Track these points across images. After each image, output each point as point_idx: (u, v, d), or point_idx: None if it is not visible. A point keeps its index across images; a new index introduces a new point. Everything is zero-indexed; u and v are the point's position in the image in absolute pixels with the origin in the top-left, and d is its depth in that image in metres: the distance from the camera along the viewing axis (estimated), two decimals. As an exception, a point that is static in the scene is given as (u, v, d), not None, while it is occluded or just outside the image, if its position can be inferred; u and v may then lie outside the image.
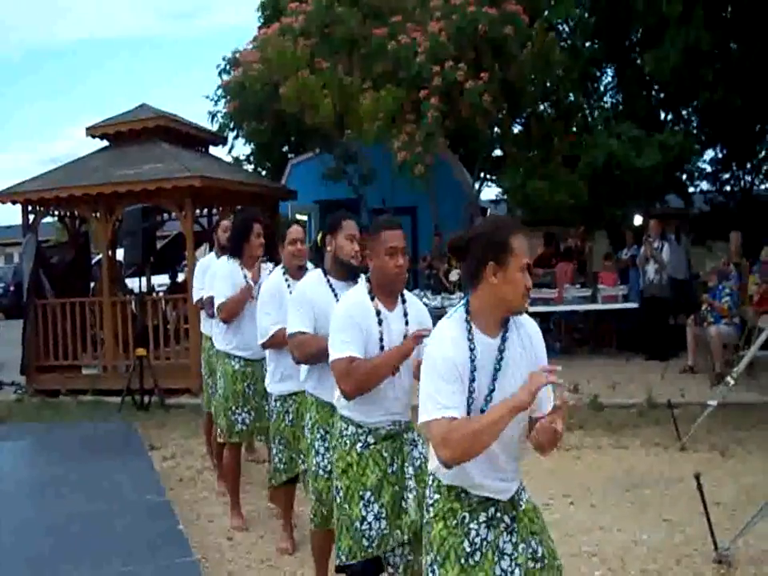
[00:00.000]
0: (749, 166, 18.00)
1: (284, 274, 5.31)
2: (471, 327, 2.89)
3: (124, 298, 12.84)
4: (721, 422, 8.41)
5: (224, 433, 6.18)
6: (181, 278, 15.32)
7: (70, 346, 12.53)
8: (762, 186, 18.89)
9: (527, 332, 3.02)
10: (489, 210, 19.92)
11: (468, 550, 2.87)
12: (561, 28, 16.37)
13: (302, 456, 5.07)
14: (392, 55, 12.81)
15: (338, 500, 3.87)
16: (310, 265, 5.40)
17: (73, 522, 6.08)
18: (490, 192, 30.75)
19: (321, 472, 4.41)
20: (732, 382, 7.72)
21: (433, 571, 2.92)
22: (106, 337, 12.42)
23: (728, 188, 18.62)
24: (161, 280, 16.22)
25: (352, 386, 3.72)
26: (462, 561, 2.87)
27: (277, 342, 5.09)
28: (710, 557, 5.15)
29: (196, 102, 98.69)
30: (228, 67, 16.38)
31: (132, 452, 8.24)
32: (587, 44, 15.89)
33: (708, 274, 12.23)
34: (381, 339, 3.78)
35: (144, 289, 12.24)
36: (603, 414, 9.28)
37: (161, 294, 14.48)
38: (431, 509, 2.98)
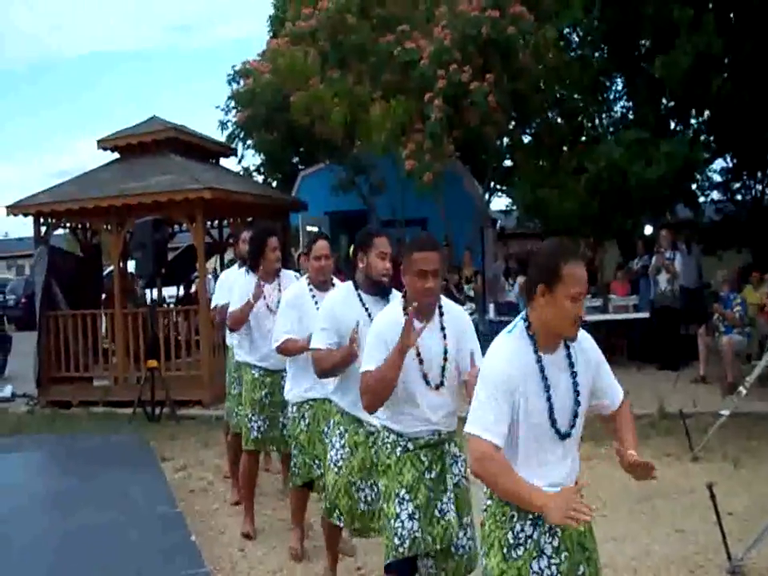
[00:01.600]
0: (760, 175, 17.91)
1: (309, 285, 5.37)
2: (535, 341, 2.98)
3: (136, 310, 12.86)
4: (733, 431, 8.38)
5: (242, 439, 6.25)
6: (192, 289, 15.37)
7: (82, 358, 12.57)
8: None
9: (580, 344, 3.09)
10: (498, 222, 19.91)
11: (511, 541, 2.98)
12: (571, 38, 16.36)
13: (317, 461, 5.16)
14: (398, 61, 12.81)
15: (381, 502, 3.97)
16: (336, 280, 5.47)
17: (84, 534, 6.07)
18: (500, 202, 30.73)
19: (332, 466, 4.56)
20: (744, 391, 7.69)
21: (482, 563, 3.10)
22: (118, 348, 12.46)
23: (739, 197, 18.53)
24: (171, 291, 16.28)
25: (367, 400, 3.79)
26: (504, 551, 2.98)
27: (287, 350, 5.25)
28: (723, 567, 5.13)
29: (206, 113, 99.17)
30: (238, 77, 16.45)
31: (143, 463, 8.22)
32: (596, 54, 15.86)
33: (719, 284, 12.18)
34: (418, 354, 3.79)
35: (155, 300, 12.27)
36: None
37: (171, 305, 14.51)
38: (485, 512, 3.10)
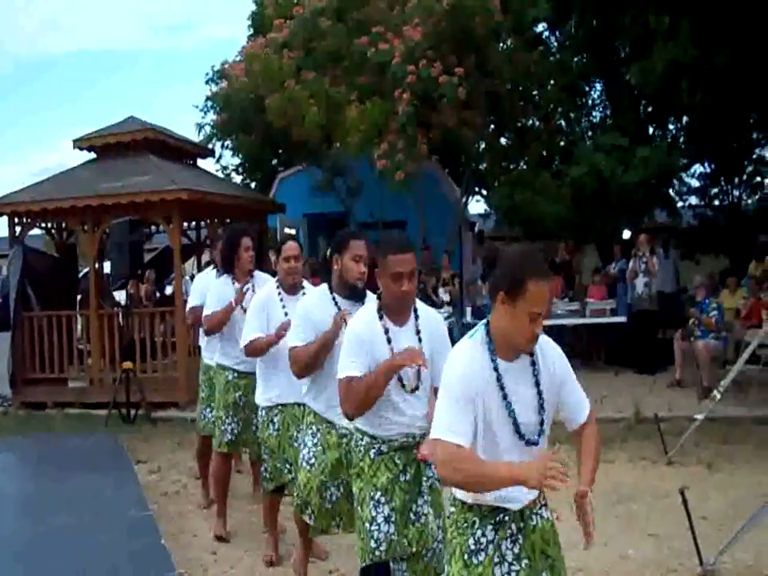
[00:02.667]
0: (737, 180, 18.04)
1: (278, 287, 5.32)
2: (493, 348, 2.93)
3: (111, 311, 12.77)
4: (708, 435, 8.41)
5: (215, 441, 6.21)
6: (168, 290, 15.28)
7: (57, 359, 12.47)
8: (750, 201, 18.92)
9: (546, 355, 3.05)
10: (477, 224, 19.93)
11: (472, 547, 2.97)
12: (549, 41, 16.43)
13: (287, 465, 5.13)
14: (373, 62, 12.81)
15: (355, 505, 3.91)
16: (306, 283, 5.44)
17: (55, 536, 6.02)
18: (478, 206, 30.72)
19: (304, 464, 4.54)
20: (718, 395, 7.71)
21: (444, 570, 3.09)
22: (93, 350, 12.37)
23: (717, 203, 18.65)
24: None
25: (350, 407, 3.73)
26: (466, 557, 2.96)
27: (254, 349, 5.23)
28: (696, 571, 5.13)
29: (185, 113, 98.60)
30: (216, 78, 16.39)
31: (117, 466, 8.18)
32: (576, 58, 15.92)
33: (695, 288, 12.23)
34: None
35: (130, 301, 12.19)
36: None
37: (147, 306, 14.42)
38: (449, 519, 3.10)
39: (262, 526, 6.22)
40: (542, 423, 2.97)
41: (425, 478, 3.85)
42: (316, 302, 4.48)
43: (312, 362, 4.39)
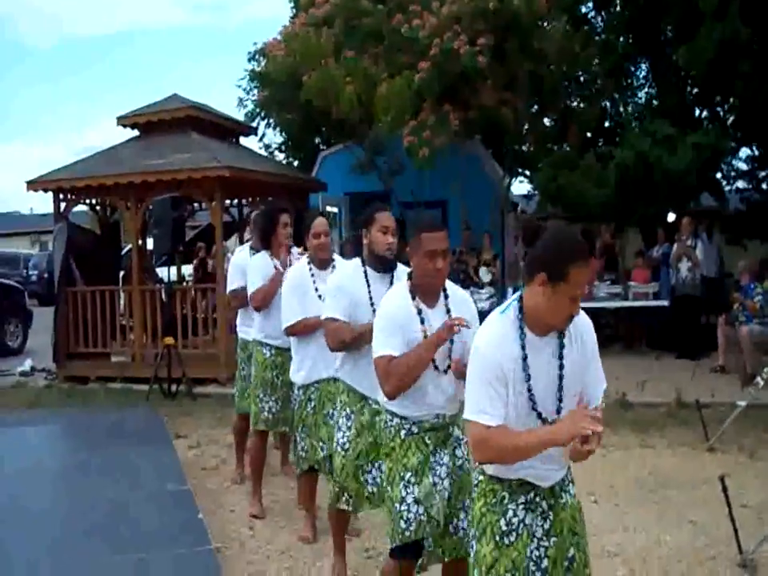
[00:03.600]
0: (785, 164, 17.73)
1: (309, 263, 5.34)
2: (523, 326, 2.90)
3: (153, 287, 12.88)
4: (750, 423, 8.29)
5: (252, 419, 6.24)
6: (210, 267, 15.37)
7: (100, 334, 12.61)
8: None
9: (578, 329, 3.02)
10: (519, 205, 19.79)
11: (504, 528, 2.94)
12: (594, 21, 16.22)
13: (322, 444, 5.14)
14: (408, 42, 12.77)
15: (385, 485, 3.92)
16: (336, 256, 5.43)
17: (94, 508, 6.11)
18: (521, 187, 30.57)
19: (339, 449, 4.54)
20: (762, 382, 7.60)
21: (472, 546, 3.04)
22: (135, 325, 12.50)
23: (764, 186, 18.32)
24: (190, 269, 16.31)
25: (392, 386, 3.71)
26: (497, 538, 2.94)
27: (298, 330, 5.23)
28: (734, 560, 5.06)
29: (227, 92, 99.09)
30: (257, 56, 16.42)
31: (157, 440, 8.25)
32: (621, 39, 15.71)
33: (740, 273, 12.06)
34: (425, 338, 3.74)
35: (174, 278, 12.28)
36: (631, 412, 9.18)
37: (190, 283, 14.54)
38: (476, 489, 3.07)
39: (297, 503, 6.30)
40: (560, 400, 2.94)
41: (454, 459, 3.84)
42: (349, 274, 4.51)
43: (349, 343, 4.40)
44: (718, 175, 16.13)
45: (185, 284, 14.47)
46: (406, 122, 12.77)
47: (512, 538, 2.93)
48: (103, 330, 12.63)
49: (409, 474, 3.76)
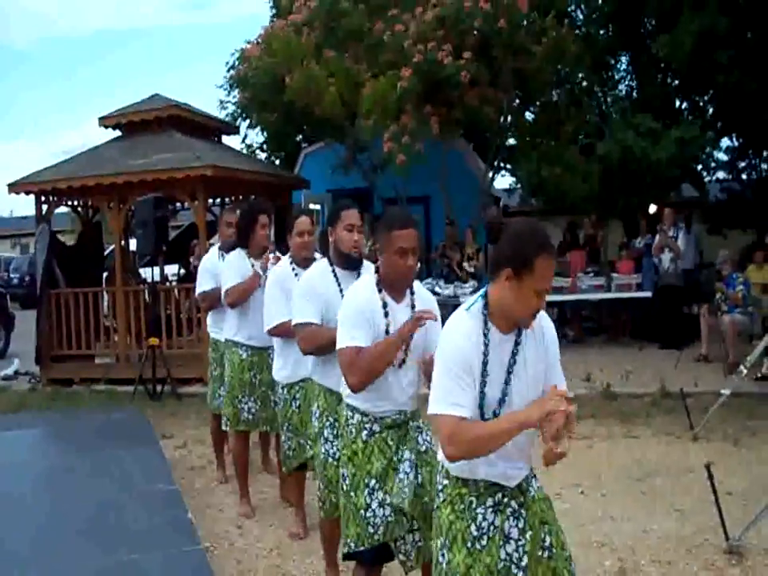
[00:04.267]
0: (765, 154, 17.82)
1: (291, 263, 5.33)
2: (488, 321, 2.90)
3: (137, 288, 12.84)
4: (734, 411, 8.37)
5: (230, 421, 6.21)
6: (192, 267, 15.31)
7: (84, 336, 12.57)
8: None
9: (540, 326, 3.01)
10: (502, 200, 19.84)
11: (475, 534, 2.91)
12: (575, 15, 16.25)
13: (308, 442, 5.12)
14: (391, 46, 12.76)
15: (345, 488, 3.87)
16: (317, 255, 5.37)
17: (82, 510, 6.09)
18: (503, 181, 30.60)
19: (330, 459, 4.43)
20: (745, 371, 7.67)
21: (443, 555, 2.97)
22: (119, 326, 12.46)
23: (744, 176, 18.44)
24: (173, 270, 16.24)
25: (357, 378, 3.70)
26: (469, 544, 2.91)
27: (281, 331, 5.17)
28: (721, 547, 5.11)
29: (208, 91, 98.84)
30: (237, 61, 16.38)
31: (144, 441, 8.23)
32: (601, 31, 15.76)
33: (722, 263, 12.15)
34: (387, 332, 3.76)
35: (157, 278, 12.25)
36: (616, 403, 9.23)
37: (173, 283, 14.50)
38: (441, 494, 3.03)
39: (282, 500, 6.35)
40: (501, 402, 2.91)
41: (417, 447, 3.84)
42: (318, 275, 4.49)
43: (327, 346, 4.25)
44: (699, 166, 16.20)
45: (168, 284, 14.43)
46: (389, 124, 12.75)
47: (483, 542, 2.90)
48: (87, 331, 12.58)
49: (373, 481, 3.76)
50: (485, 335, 2.88)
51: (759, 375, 9.61)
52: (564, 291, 12.97)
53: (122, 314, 12.33)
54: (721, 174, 18.85)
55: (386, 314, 3.77)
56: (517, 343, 2.93)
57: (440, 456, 3.01)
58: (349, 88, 13.07)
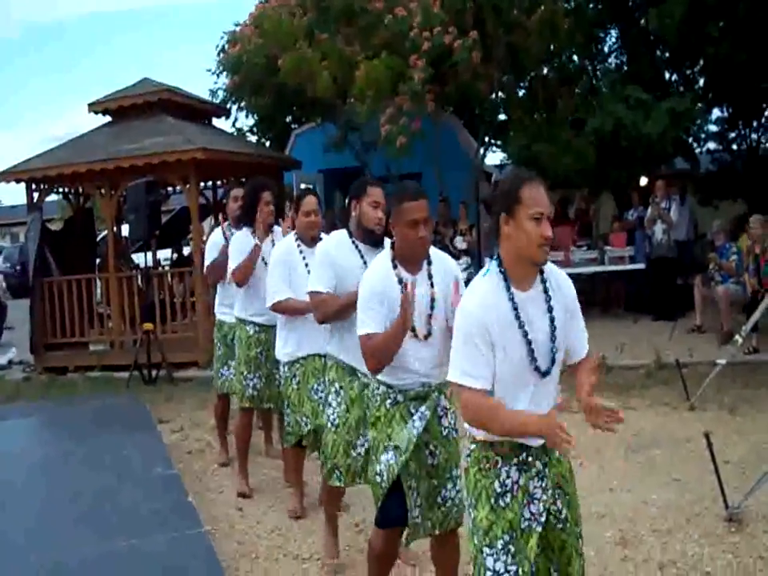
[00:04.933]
0: (755, 124, 17.81)
1: (297, 241, 5.34)
2: (509, 281, 2.95)
3: (130, 274, 12.82)
4: (730, 381, 8.39)
5: (238, 398, 6.25)
6: (186, 251, 15.31)
7: (77, 323, 12.55)
8: (768, 144, 18.72)
9: (557, 282, 3.08)
10: (494, 175, 19.81)
11: (498, 490, 2.98)
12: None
13: (305, 419, 5.19)
14: (389, 28, 12.67)
15: (370, 454, 3.95)
16: (323, 234, 5.38)
17: (82, 496, 6.10)
18: (494, 157, 30.56)
19: (330, 425, 4.54)
20: (741, 340, 7.69)
21: (469, 513, 3.06)
22: (113, 312, 12.44)
23: (734, 147, 18.43)
24: (166, 254, 16.23)
25: (372, 363, 3.74)
26: (493, 501, 2.97)
27: (281, 308, 5.24)
28: (720, 515, 5.14)
29: (198, 75, 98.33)
30: (227, 43, 16.26)
31: (141, 426, 8.25)
32: (591, 5, 15.68)
33: (714, 234, 12.15)
34: (403, 307, 3.72)
35: (150, 263, 12.22)
36: (611, 375, 9.24)
37: (166, 268, 14.48)
38: (468, 457, 3.09)
39: (284, 482, 6.35)
40: (553, 350, 2.99)
41: (441, 429, 3.85)
42: (335, 245, 4.50)
43: (341, 314, 4.40)
44: (690, 138, 16.18)
45: (160, 269, 14.42)
46: (384, 106, 12.68)
47: (507, 500, 2.96)
48: (80, 318, 12.57)
49: (392, 443, 3.78)
50: (508, 291, 2.94)
51: (750, 349, 9.64)
52: (558, 265, 12.93)
53: (115, 300, 12.30)
54: (711, 145, 18.84)
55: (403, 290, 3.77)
56: (548, 298, 3.01)
57: (466, 424, 3.07)
58: (342, 69, 12.99)
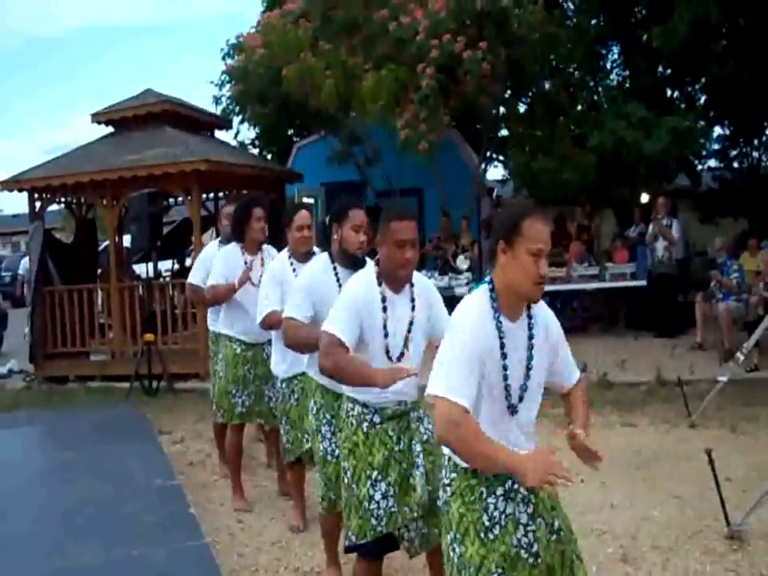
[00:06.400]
0: (756, 142, 17.86)
1: (290, 257, 5.30)
2: (497, 308, 2.89)
3: (131, 284, 12.82)
4: (730, 398, 8.38)
5: (225, 414, 6.21)
6: (188, 262, 15.30)
7: (78, 333, 12.54)
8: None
9: (543, 318, 3.03)
10: (495, 190, 19.85)
11: (487, 524, 2.88)
12: (566, 5, 16.23)
13: (306, 436, 5.12)
14: (393, 36, 12.70)
15: (346, 480, 3.87)
16: (316, 249, 5.31)
17: (83, 507, 6.08)
18: (496, 172, 30.55)
19: (329, 457, 4.44)
20: (742, 357, 7.69)
21: (453, 549, 2.93)
22: (114, 323, 12.43)
23: (736, 165, 18.47)
24: (167, 265, 16.22)
25: (329, 367, 3.68)
26: (482, 535, 2.87)
27: (270, 323, 5.15)
28: (721, 533, 5.13)
29: (200, 87, 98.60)
30: (231, 52, 16.33)
31: (141, 437, 8.24)
32: (593, 21, 15.74)
33: (716, 251, 12.16)
34: (384, 327, 3.76)
35: (151, 274, 12.22)
36: (612, 392, 9.25)
37: (167, 279, 14.48)
38: (448, 488, 2.98)
39: (282, 493, 6.38)
40: (524, 389, 2.93)
41: (417, 436, 3.83)
42: (318, 271, 4.45)
43: (303, 343, 4.35)
44: (691, 155, 16.21)
45: (162, 280, 14.41)
46: (399, 114, 12.69)
47: (496, 532, 2.87)
48: (81, 328, 12.56)
49: (375, 472, 3.76)
50: (497, 320, 2.88)
51: (751, 368, 9.64)
52: (559, 281, 12.97)
53: (116, 310, 12.30)
54: (712, 163, 18.89)
55: (384, 309, 3.76)
56: (531, 336, 2.94)
57: (446, 449, 2.97)
58: (346, 80, 13.03)
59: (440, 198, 15.04)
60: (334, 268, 4.41)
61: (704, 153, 17.31)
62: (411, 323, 3.80)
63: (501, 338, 2.86)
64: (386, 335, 3.77)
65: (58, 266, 12.86)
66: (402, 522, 3.78)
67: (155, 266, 13.22)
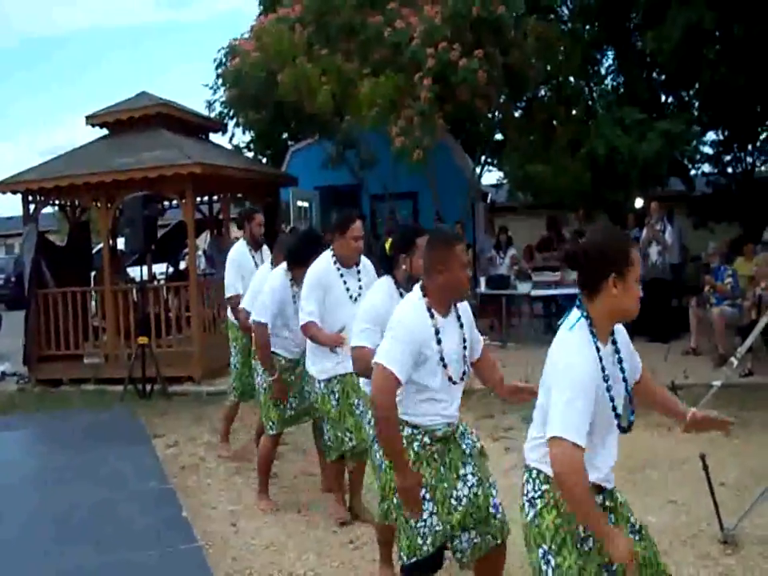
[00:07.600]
0: (750, 147, 17.91)
1: (335, 262, 5.41)
2: (596, 337, 2.96)
3: (125, 287, 12.79)
4: (725, 402, 8.35)
5: (277, 425, 6.20)
6: (182, 265, 15.29)
7: (72, 336, 12.51)
8: (764, 168, 18.81)
9: (623, 338, 3.16)
10: (490, 195, 19.86)
11: (582, 535, 2.93)
12: (560, 11, 16.27)
13: (348, 434, 5.31)
14: (389, 42, 12.71)
15: (395, 501, 3.86)
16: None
17: (77, 510, 6.08)
18: (491, 177, 30.64)
19: (384, 464, 4.20)
20: (736, 362, 7.68)
21: (548, 561, 2.94)
22: (108, 326, 12.41)
23: (730, 170, 18.52)
24: (161, 268, 16.21)
25: (381, 410, 3.64)
26: (579, 545, 2.91)
27: (312, 336, 5.36)
28: (716, 537, 5.15)
29: (195, 91, 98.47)
30: (225, 57, 16.31)
31: (135, 440, 8.22)
32: (587, 27, 15.78)
33: (710, 256, 12.18)
34: (442, 359, 3.73)
35: (145, 277, 12.20)
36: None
37: (162, 282, 14.46)
38: (539, 500, 2.99)
39: (281, 498, 6.41)
40: (630, 401, 3.09)
41: (464, 447, 3.89)
42: (382, 294, 4.45)
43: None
44: (684, 160, 16.25)
45: (156, 283, 14.40)
46: (395, 120, 12.70)
47: (590, 543, 2.93)
48: (75, 331, 12.52)
49: (423, 490, 3.75)
50: (598, 350, 2.93)
51: (745, 372, 9.65)
52: (553, 286, 12.97)
53: (110, 313, 12.27)
54: (706, 168, 18.94)
55: (439, 341, 3.72)
56: (617, 353, 3.05)
57: (533, 460, 3.03)
58: (341, 85, 13.03)
59: (435, 203, 15.04)
60: (401, 294, 4.36)
61: (698, 157, 17.36)
62: (464, 341, 3.84)
63: (603, 367, 2.94)
64: (445, 366, 3.74)
65: (51, 268, 12.82)
66: (443, 538, 3.78)
67: (150, 269, 13.21)
